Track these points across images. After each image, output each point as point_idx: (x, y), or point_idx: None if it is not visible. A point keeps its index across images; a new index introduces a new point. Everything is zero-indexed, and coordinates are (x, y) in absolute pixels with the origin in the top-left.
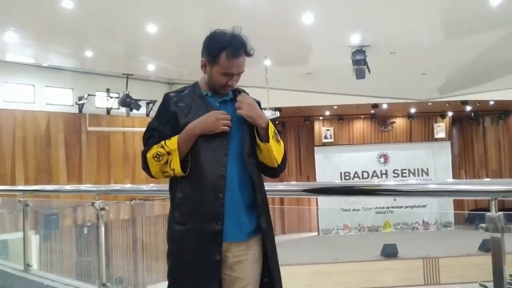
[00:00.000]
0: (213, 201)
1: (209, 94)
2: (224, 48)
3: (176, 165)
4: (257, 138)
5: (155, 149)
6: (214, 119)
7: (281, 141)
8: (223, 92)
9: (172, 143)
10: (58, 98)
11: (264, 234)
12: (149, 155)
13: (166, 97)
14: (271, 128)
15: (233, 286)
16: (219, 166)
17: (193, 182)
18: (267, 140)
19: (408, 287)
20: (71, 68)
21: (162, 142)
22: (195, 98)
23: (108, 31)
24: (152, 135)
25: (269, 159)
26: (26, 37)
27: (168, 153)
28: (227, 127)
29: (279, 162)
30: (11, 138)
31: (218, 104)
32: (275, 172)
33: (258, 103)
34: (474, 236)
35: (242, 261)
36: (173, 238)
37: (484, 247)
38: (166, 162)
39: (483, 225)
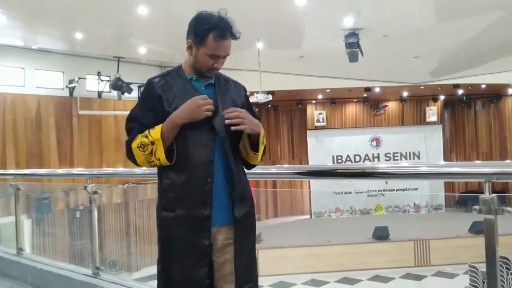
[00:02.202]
0: (201, 186)
1: (194, 78)
2: (211, 29)
3: (161, 155)
4: (249, 148)
5: (140, 138)
6: (196, 106)
7: (264, 140)
8: (208, 75)
9: (155, 132)
10: (48, 81)
11: (236, 225)
12: (134, 145)
13: (150, 83)
14: (262, 134)
15: (225, 269)
16: (207, 151)
17: (181, 169)
18: (257, 150)
19: (399, 268)
20: (61, 51)
21: (146, 132)
22: (180, 82)
23: (98, 13)
24: (134, 126)
25: (253, 160)
26: (14, 19)
27: (152, 143)
28: (209, 112)
29: (259, 160)
30: (1, 122)
31: (203, 88)
32: (252, 167)
33: (241, 87)
34: (464, 218)
35: (232, 243)
36: (161, 225)
37: (474, 229)
38: (151, 152)
39: (477, 207)
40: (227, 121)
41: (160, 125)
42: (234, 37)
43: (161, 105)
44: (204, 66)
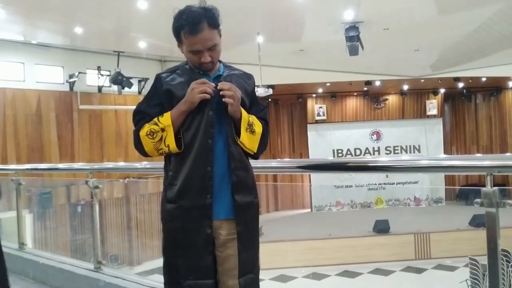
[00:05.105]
0: (202, 175)
1: (201, 72)
2: (181, 27)
3: (171, 141)
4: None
5: (148, 126)
6: (190, 90)
7: (258, 130)
8: (204, 69)
9: (165, 119)
10: (49, 76)
11: (238, 213)
12: (142, 133)
13: (158, 77)
14: (244, 121)
15: (227, 263)
16: (206, 139)
17: (184, 159)
18: (239, 135)
19: (399, 261)
20: (61, 46)
21: (155, 119)
22: (189, 76)
23: (98, 7)
24: (143, 117)
25: (244, 148)
26: (13, 13)
27: (162, 130)
28: (204, 95)
29: (255, 151)
30: (1, 117)
31: (212, 81)
32: (253, 158)
33: (250, 76)
34: (464, 211)
35: (235, 238)
36: (165, 217)
37: (474, 222)
38: (161, 139)
39: (478, 200)
40: (221, 92)
41: (169, 112)
42: (213, 25)
43: (170, 99)
44: (193, 62)
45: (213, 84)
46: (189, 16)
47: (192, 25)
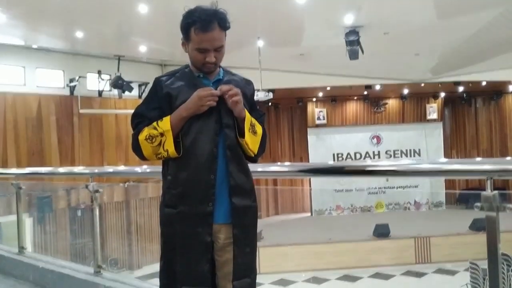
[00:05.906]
0: (204, 183)
1: (201, 76)
2: (193, 23)
3: (170, 146)
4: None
5: (147, 130)
6: (197, 98)
7: (259, 131)
8: (206, 70)
9: (164, 123)
10: (49, 80)
11: (235, 216)
12: (141, 137)
13: (157, 81)
14: (248, 121)
15: (226, 268)
16: (210, 147)
17: (185, 164)
18: (243, 135)
19: (400, 266)
20: (61, 50)
21: (154, 123)
22: (188, 79)
23: (99, 12)
24: (142, 121)
25: (245, 150)
26: (14, 18)
27: (161, 134)
28: (212, 102)
29: (255, 152)
30: (2, 121)
31: (211, 85)
32: (252, 160)
33: (250, 82)
34: (464, 215)
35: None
36: (164, 222)
37: (475, 226)
38: (160, 144)
39: (478, 204)
40: (220, 92)
41: (169, 117)
42: (223, 27)
43: (169, 102)
44: (197, 61)
45: (217, 92)
46: (202, 13)
47: (205, 22)
